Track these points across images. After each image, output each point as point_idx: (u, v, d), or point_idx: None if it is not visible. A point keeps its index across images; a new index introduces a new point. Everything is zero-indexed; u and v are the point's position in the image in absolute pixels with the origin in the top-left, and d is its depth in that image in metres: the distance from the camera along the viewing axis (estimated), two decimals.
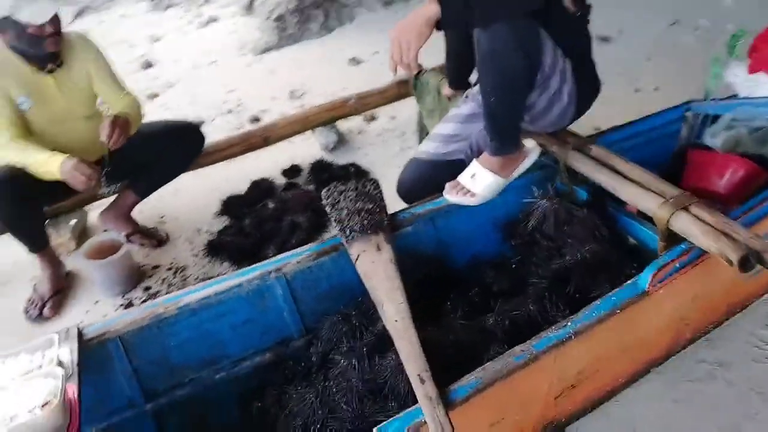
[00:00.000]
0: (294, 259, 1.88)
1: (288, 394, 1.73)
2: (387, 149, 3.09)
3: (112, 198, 2.79)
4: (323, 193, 2.08)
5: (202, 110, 3.82)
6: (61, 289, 2.61)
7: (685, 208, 1.63)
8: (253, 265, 1.88)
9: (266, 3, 4.49)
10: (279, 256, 1.91)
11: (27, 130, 2.38)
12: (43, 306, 2.52)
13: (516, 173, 1.98)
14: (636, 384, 1.82)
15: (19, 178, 2.30)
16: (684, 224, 1.60)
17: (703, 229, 1.56)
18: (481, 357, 1.55)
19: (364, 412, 1.49)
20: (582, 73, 1.90)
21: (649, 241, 1.82)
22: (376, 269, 1.72)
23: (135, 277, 2.61)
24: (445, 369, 1.54)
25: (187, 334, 1.82)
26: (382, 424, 1.32)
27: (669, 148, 2.41)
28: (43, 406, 1.40)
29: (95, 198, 2.85)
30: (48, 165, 2.26)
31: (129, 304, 2.50)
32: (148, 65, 4.47)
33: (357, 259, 1.78)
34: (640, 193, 1.71)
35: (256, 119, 3.59)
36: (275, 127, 3.00)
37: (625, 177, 1.80)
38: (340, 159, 3.07)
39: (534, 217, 1.94)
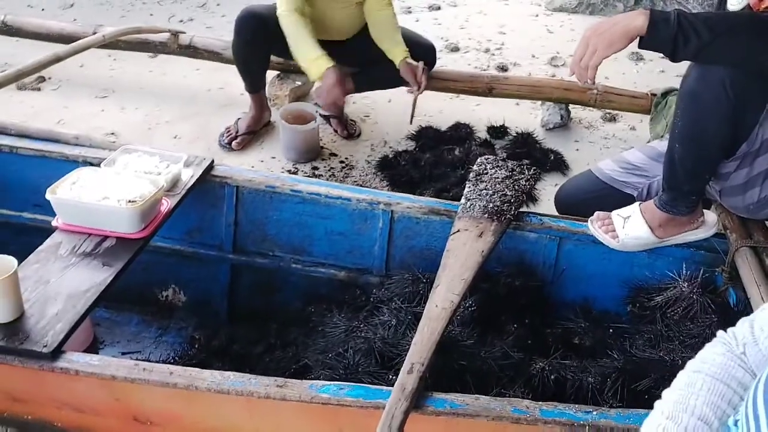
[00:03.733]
0: (407, 202, 1.86)
1: (330, 315, 1.77)
2: (602, 155, 2.82)
3: None
4: (480, 159, 2.00)
5: (462, 38, 3.80)
6: (256, 131, 2.88)
7: None
8: (369, 189, 1.90)
9: None
10: (396, 194, 1.90)
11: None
12: (234, 138, 2.82)
13: (674, 240, 1.71)
14: None
15: (261, 20, 2.53)
16: None
17: None
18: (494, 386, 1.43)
19: (358, 367, 1.47)
20: None
21: None
22: (461, 252, 1.63)
23: (312, 153, 2.78)
24: (456, 378, 1.45)
25: (288, 216, 1.93)
26: (345, 384, 1.31)
27: None
28: (129, 201, 1.60)
29: None
30: (309, 63, 2.44)
31: (294, 173, 2.69)
32: None
33: (453, 233, 1.70)
34: None
35: (503, 68, 3.48)
36: (504, 81, 2.89)
37: None
38: (550, 142, 2.88)
39: (665, 296, 1.66)
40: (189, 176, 1.85)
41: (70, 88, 3.16)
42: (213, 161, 1.93)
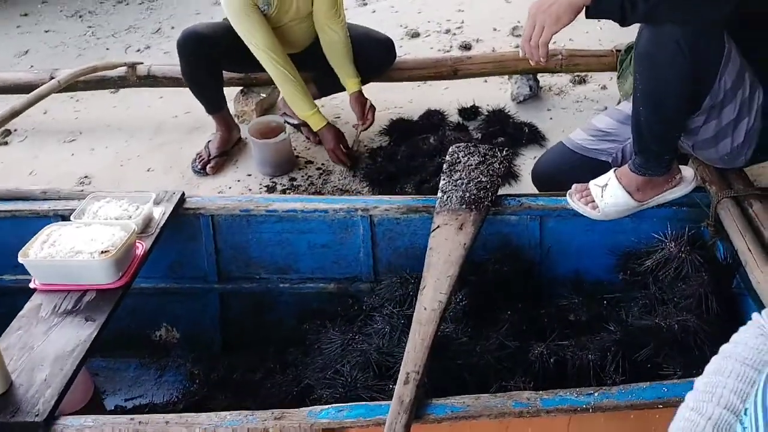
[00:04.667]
0: (384, 205, 1.83)
1: (325, 330, 1.75)
2: (576, 120, 2.80)
3: None
4: (451, 148, 1.98)
5: (422, 22, 3.76)
6: (228, 152, 2.85)
7: None
8: (344, 197, 1.87)
9: None
10: (372, 198, 1.88)
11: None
12: (207, 162, 2.78)
13: (655, 201, 1.68)
14: None
15: (203, 39, 2.49)
16: None
17: None
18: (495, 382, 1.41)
19: (356, 383, 1.45)
20: None
21: None
22: (444, 248, 1.61)
23: (287, 165, 2.75)
24: (453, 378, 1.44)
25: (269, 237, 1.91)
26: (344, 405, 1.29)
27: None
28: (102, 252, 1.57)
29: None
30: (305, 117, 2.60)
31: (272, 188, 2.66)
32: None
33: (434, 230, 1.68)
34: None
35: (466, 47, 3.44)
36: (467, 61, 2.86)
37: None
38: (523, 114, 2.85)
39: (654, 259, 1.65)
40: (161, 213, 1.83)
41: (37, 137, 3.12)
42: (183, 194, 1.91)
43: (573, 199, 1.74)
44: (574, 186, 1.75)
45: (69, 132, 3.14)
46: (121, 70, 2.99)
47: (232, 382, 1.85)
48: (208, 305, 1.99)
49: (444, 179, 1.85)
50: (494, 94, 3.02)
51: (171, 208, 1.85)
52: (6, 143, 3.09)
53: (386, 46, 2.75)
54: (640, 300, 1.62)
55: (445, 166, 1.91)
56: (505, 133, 2.75)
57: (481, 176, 1.83)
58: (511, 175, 2.52)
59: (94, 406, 1.95)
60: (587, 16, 1.35)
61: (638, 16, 1.31)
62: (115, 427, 1.30)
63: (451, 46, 3.48)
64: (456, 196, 1.77)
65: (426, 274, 1.55)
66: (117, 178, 2.80)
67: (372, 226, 1.86)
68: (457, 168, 1.89)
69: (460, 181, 1.83)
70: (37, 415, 1.29)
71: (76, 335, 1.48)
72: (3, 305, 1.69)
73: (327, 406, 1.30)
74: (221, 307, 1.99)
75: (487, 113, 2.86)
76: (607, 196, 1.67)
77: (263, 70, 2.57)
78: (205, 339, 2.02)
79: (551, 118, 2.85)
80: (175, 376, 2.00)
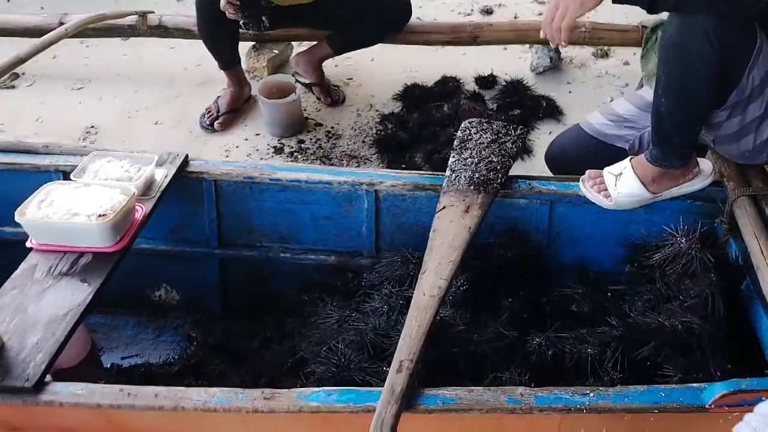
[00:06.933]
0: (390, 180, 1.79)
1: (322, 304, 1.73)
2: (597, 95, 2.71)
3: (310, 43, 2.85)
4: (463, 124, 1.92)
5: None
6: (237, 109, 2.80)
7: None
8: (350, 170, 1.83)
9: None
10: (378, 172, 1.84)
11: None
12: (216, 118, 2.74)
13: (670, 193, 1.63)
14: None
15: None
16: None
17: None
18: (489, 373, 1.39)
19: (350, 363, 1.43)
20: None
21: None
22: (448, 231, 1.57)
23: (297, 126, 2.70)
24: (448, 366, 1.42)
25: (271, 205, 1.88)
26: (334, 389, 1.28)
27: None
28: (99, 216, 1.54)
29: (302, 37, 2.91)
30: None
31: (280, 150, 2.61)
32: None
33: (439, 211, 1.64)
34: None
35: (488, 11, 3.33)
36: (488, 28, 2.76)
37: None
38: (542, 86, 2.77)
39: (663, 253, 1.60)
40: (163, 176, 1.79)
41: (45, 82, 3.08)
42: (187, 156, 1.87)
43: (585, 186, 1.68)
44: (587, 172, 1.70)
45: (77, 79, 3.09)
46: (132, 19, 2.92)
47: (229, 348, 1.85)
48: (209, 270, 1.97)
49: (454, 157, 1.80)
50: (514, 63, 2.93)
51: (174, 171, 1.81)
52: (13, 87, 3.06)
53: (402, 6, 2.66)
54: (645, 295, 1.58)
55: (456, 142, 1.85)
56: (522, 105, 2.68)
57: (492, 156, 1.78)
58: (524, 150, 2.46)
59: (91, 362, 1.96)
60: (614, 1, 1.28)
61: (668, 5, 1.23)
62: (105, 396, 1.30)
63: (472, 10, 3.37)
64: (465, 176, 1.71)
65: (427, 257, 1.52)
66: (123, 131, 2.76)
67: (377, 201, 1.81)
68: (467, 145, 1.83)
69: (470, 159, 1.77)
70: (26, 380, 1.29)
71: (70, 298, 1.46)
72: (4, 257, 1.68)
73: (317, 389, 1.29)
74: (221, 272, 1.97)
75: (504, 83, 2.78)
76: (621, 185, 1.62)
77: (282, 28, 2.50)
78: (205, 303, 2.01)
79: (570, 92, 2.77)
80: (172, 337, 2.00)
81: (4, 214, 1.89)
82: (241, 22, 2.39)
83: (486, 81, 2.81)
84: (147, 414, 1.30)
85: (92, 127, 2.80)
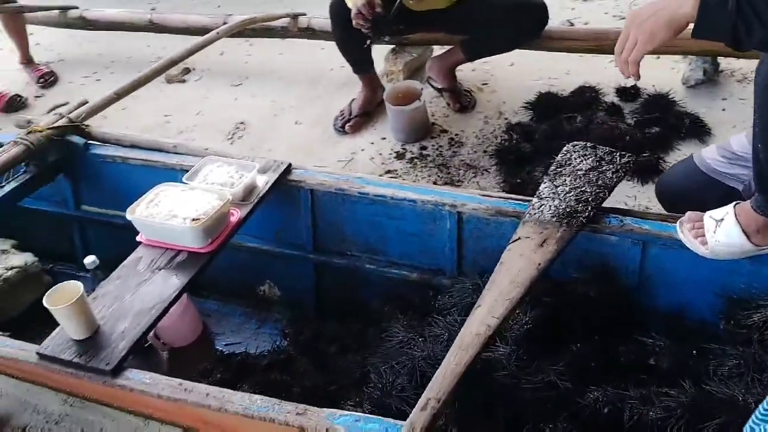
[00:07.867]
0: (473, 203, 1.75)
1: (396, 319, 1.75)
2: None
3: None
4: (565, 147, 1.82)
5: None
6: (369, 112, 2.87)
7: None
8: (434, 188, 1.82)
9: None
10: (461, 194, 1.80)
11: None
12: (348, 121, 2.84)
13: None
14: None
15: None
16: None
17: None
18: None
19: (392, 390, 1.44)
20: None
21: None
22: (514, 265, 1.51)
23: (421, 132, 2.71)
24: (484, 408, 1.38)
25: (361, 217, 1.93)
26: (361, 415, 1.30)
27: None
28: (193, 219, 1.70)
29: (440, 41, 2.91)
30: None
31: (401, 155, 2.65)
32: None
33: (512, 242, 1.57)
34: None
35: None
36: None
37: None
38: (692, 101, 2.50)
39: (763, 314, 1.40)
40: (264, 182, 1.92)
41: (210, 78, 3.40)
42: (290, 165, 1.97)
43: (682, 229, 1.51)
44: (687, 214, 1.52)
45: (237, 75, 3.37)
46: (284, 21, 3.11)
47: (315, 349, 1.94)
48: (305, 273, 2.08)
49: (545, 183, 1.71)
50: (665, 74, 2.68)
51: (275, 178, 1.93)
52: (184, 81, 3.41)
53: (537, 9, 2.54)
54: (735, 358, 1.40)
55: (552, 167, 1.75)
56: (663, 121, 2.44)
57: (586, 186, 1.66)
58: (655, 171, 2.26)
59: (203, 343, 2.17)
60: (693, 36, 1.13)
61: (755, 43, 1.06)
62: (165, 388, 1.44)
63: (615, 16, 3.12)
64: (551, 206, 1.62)
65: (486, 291, 1.47)
66: (267, 129, 2.97)
67: (460, 222, 1.79)
68: (563, 171, 1.73)
69: (561, 188, 1.67)
70: (107, 364, 1.47)
71: (158, 293, 1.63)
72: (132, 240, 1.89)
73: (346, 413, 1.32)
74: (316, 276, 2.07)
75: (648, 96, 2.55)
76: (721, 233, 1.43)
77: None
78: (302, 303, 2.12)
79: (724, 109, 2.48)
80: (271, 330, 2.14)
81: None
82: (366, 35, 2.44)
83: (628, 93, 2.61)
84: (197, 410, 1.42)
85: (242, 123, 3.04)
